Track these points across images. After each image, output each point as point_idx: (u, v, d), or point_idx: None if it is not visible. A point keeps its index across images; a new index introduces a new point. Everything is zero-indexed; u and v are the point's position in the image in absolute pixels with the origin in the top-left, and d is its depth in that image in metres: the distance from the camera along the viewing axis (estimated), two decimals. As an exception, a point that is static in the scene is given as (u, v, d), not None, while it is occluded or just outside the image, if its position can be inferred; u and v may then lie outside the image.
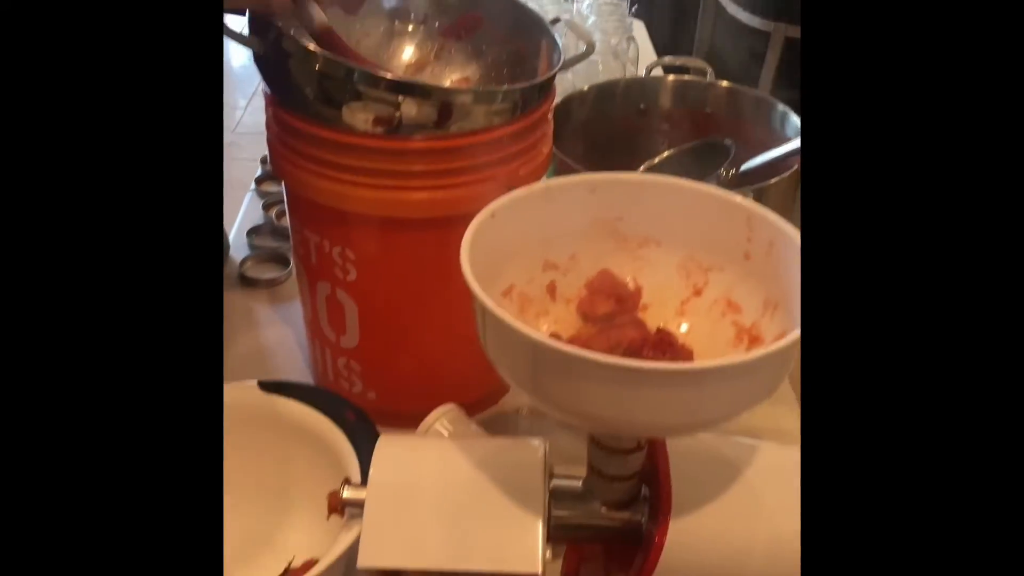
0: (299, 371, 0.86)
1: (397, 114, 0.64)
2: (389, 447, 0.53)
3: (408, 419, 0.67)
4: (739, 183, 0.80)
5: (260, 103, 2.95)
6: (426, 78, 0.79)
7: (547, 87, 0.69)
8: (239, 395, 0.66)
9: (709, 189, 0.53)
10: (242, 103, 3.02)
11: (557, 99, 0.78)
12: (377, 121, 0.65)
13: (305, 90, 0.65)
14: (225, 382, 0.67)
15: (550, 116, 0.72)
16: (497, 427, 0.80)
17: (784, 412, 0.81)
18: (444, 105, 0.63)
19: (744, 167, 0.82)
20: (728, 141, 0.86)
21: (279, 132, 0.68)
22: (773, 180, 0.75)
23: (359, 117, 0.65)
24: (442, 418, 0.67)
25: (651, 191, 0.53)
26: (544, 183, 0.53)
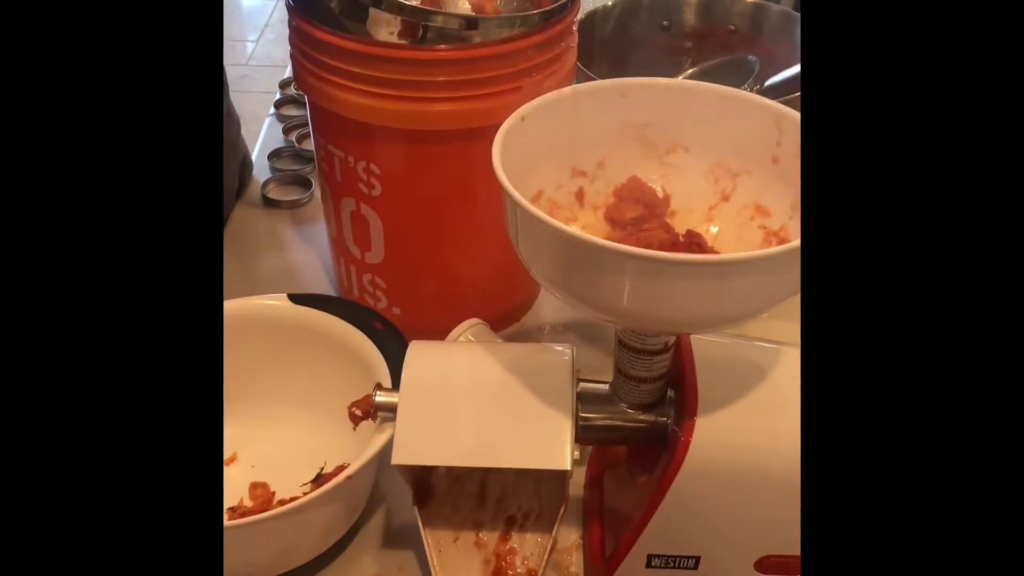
0: (324, 289, 0.87)
1: (421, 26, 0.63)
2: (421, 350, 0.54)
3: (433, 335, 0.67)
4: (764, 98, 0.79)
5: (270, 36, 2.93)
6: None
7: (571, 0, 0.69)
8: (270, 307, 0.68)
9: (738, 93, 0.52)
10: (252, 36, 2.99)
11: (580, 15, 0.77)
12: (402, 33, 0.64)
13: (330, 3, 0.64)
14: (253, 297, 0.69)
15: (575, 28, 0.71)
16: (521, 342, 0.81)
17: (797, 328, 0.82)
18: (469, 18, 0.63)
19: (768, 82, 0.81)
20: (752, 57, 0.85)
21: (302, 45, 0.68)
22: (797, 94, 0.75)
23: (383, 29, 0.65)
24: (467, 332, 0.68)
25: (680, 96, 0.53)
26: (574, 87, 0.53)
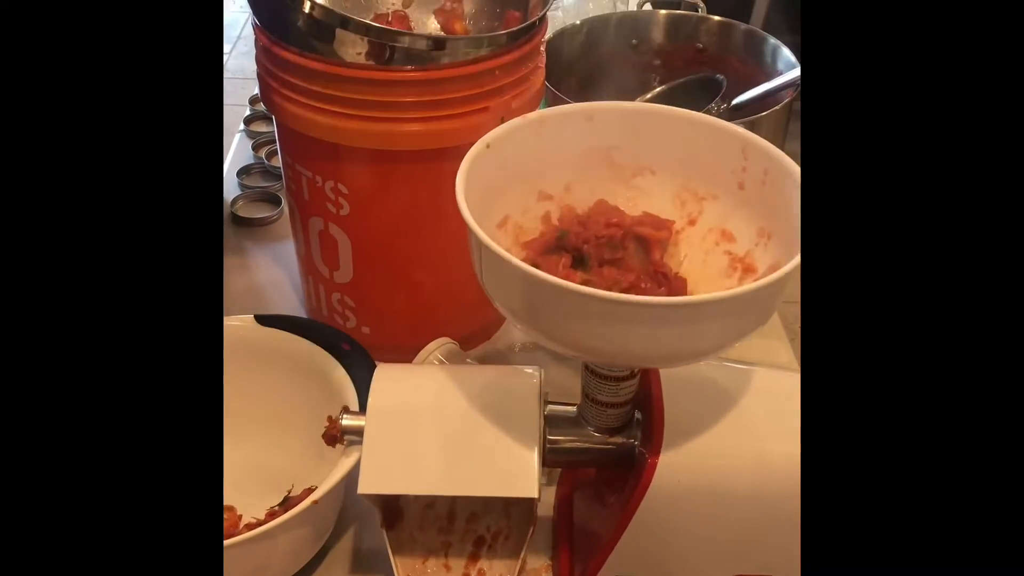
0: (293, 308, 0.86)
1: (388, 47, 0.63)
2: (387, 375, 0.54)
3: (402, 354, 0.67)
4: (730, 117, 0.80)
5: (243, 48, 2.91)
6: (416, 5, 0.78)
7: (539, 20, 0.69)
8: (236, 329, 0.67)
9: (704, 118, 0.53)
10: (226, 48, 2.97)
11: (548, 34, 0.77)
12: (369, 54, 0.64)
13: (296, 23, 0.64)
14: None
15: (543, 48, 0.71)
16: (491, 362, 0.81)
17: (776, 345, 0.83)
18: (436, 39, 0.63)
19: (736, 101, 0.82)
20: (720, 76, 0.86)
21: (269, 65, 0.68)
22: (764, 113, 0.75)
23: (351, 50, 0.65)
24: (436, 351, 0.68)
25: (647, 120, 0.53)
26: (540, 112, 0.53)
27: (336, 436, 0.57)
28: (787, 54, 0.86)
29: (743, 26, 0.92)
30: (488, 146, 0.49)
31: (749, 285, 0.42)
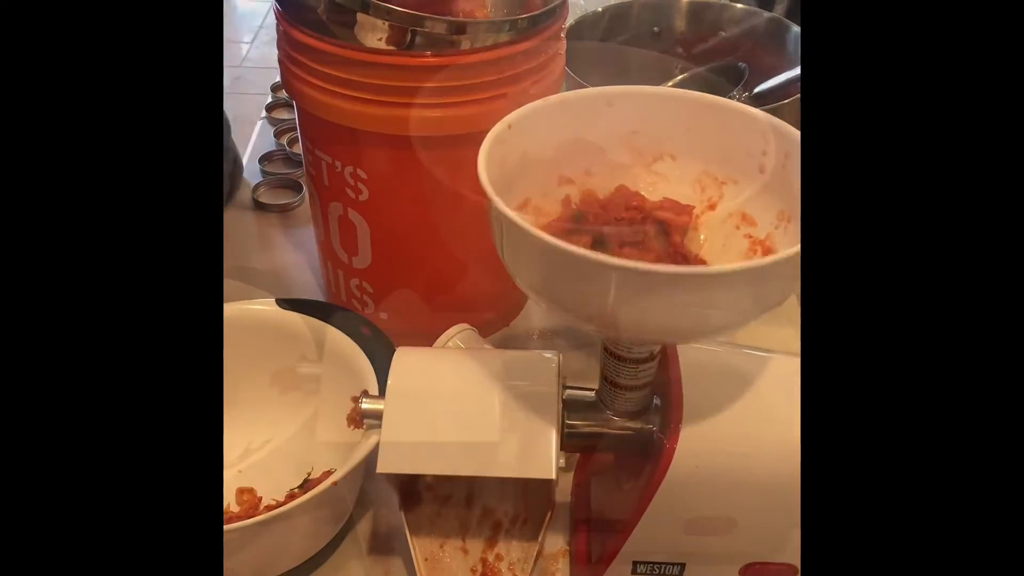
0: (312, 294, 0.87)
1: (409, 32, 0.63)
2: (407, 357, 0.54)
3: (420, 340, 0.67)
4: (752, 105, 0.79)
5: (265, 37, 2.92)
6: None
7: (560, 6, 0.69)
8: (257, 312, 0.68)
9: (725, 102, 0.52)
10: (247, 38, 2.98)
11: (570, 21, 0.77)
12: (390, 39, 0.64)
13: (318, 7, 0.64)
14: (242, 302, 0.69)
15: (563, 35, 0.71)
16: (509, 348, 0.81)
17: (794, 335, 0.82)
18: (457, 23, 0.63)
19: (758, 89, 0.81)
20: (742, 64, 0.85)
21: (290, 50, 0.68)
22: (786, 100, 0.75)
23: (371, 35, 0.65)
24: (455, 337, 0.68)
25: (667, 104, 0.53)
26: (560, 95, 0.53)
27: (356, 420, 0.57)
28: (810, 42, 0.85)
29: (766, 14, 0.91)
30: (509, 126, 0.49)
31: (762, 259, 0.42)
